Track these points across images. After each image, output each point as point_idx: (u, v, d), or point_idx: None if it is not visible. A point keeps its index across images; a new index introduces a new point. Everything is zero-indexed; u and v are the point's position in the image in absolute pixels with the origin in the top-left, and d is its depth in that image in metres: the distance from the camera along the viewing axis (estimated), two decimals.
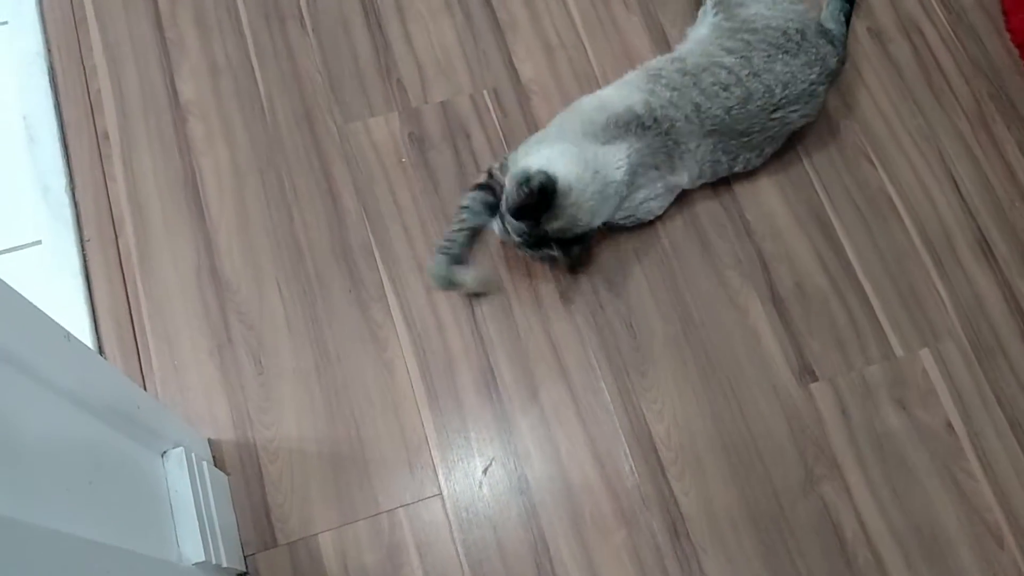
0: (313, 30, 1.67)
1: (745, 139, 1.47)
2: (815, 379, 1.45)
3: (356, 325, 1.45)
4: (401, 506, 1.35)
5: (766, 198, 1.57)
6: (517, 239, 1.39)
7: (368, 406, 1.40)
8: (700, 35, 1.56)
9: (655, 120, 1.43)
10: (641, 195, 1.46)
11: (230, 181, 1.54)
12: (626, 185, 1.42)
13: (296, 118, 1.60)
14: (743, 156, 1.51)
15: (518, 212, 1.33)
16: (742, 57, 1.46)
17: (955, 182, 1.61)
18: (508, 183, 1.35)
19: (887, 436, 1.42)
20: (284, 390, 1.41)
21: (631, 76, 1.51)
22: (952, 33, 1.74)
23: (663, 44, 1.68)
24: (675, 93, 1.44)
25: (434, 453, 1.38)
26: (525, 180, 1.31)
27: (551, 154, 1.38)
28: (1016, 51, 1.70)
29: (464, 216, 1.47)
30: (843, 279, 1.52)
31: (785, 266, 1.53)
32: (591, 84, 1.64)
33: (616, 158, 1.40)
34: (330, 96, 1.62)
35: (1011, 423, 1.44)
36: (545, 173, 1.32)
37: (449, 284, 1.44)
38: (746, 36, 1.48)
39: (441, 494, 1.36)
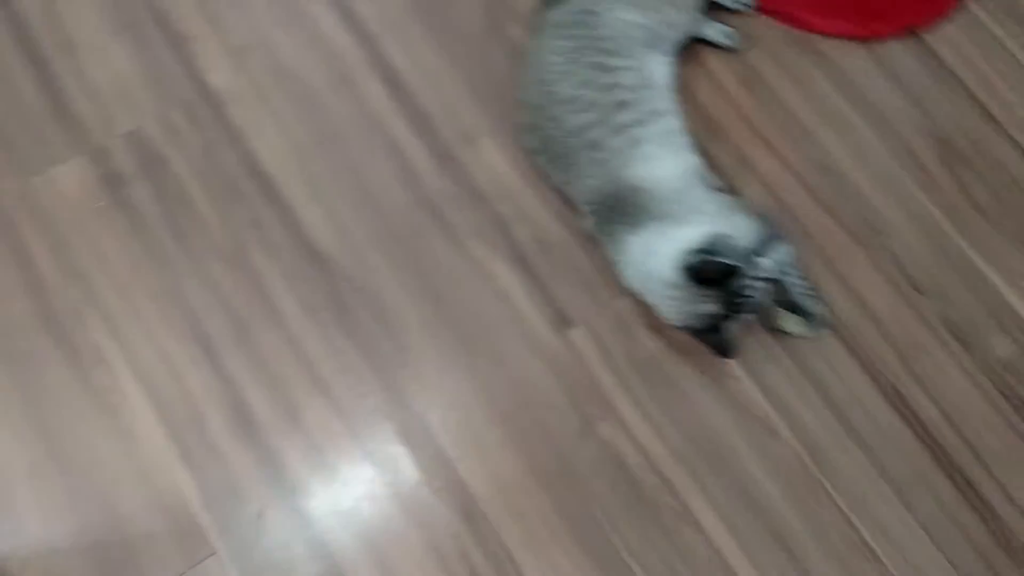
0: None
1: None
2: (572, 326, 1.45)
3: (81, 398, 1.32)
4: None
5: (492, 160, 1.55)
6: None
7: (116, 482, 1.29)
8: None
9: None
10: None
11: None
12: None
13: None
14: None
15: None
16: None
17: None
18: None
19: (649, 362, 1.44)
20: (17, 493, 1.27)
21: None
22: None
23: (355, 21, 1.61)
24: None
25: (200, 512, 1.29)
26: None
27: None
28: None
29: None
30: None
31: (523, 224, 1.52)
32: (290, 80, 1.56)
33: None
34: (2, 154, 1.45)
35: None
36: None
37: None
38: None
39: (216, 552, 1.27)
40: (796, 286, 1.41)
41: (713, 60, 1.64)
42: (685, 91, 1.58)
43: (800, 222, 1.53)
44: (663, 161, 1.40)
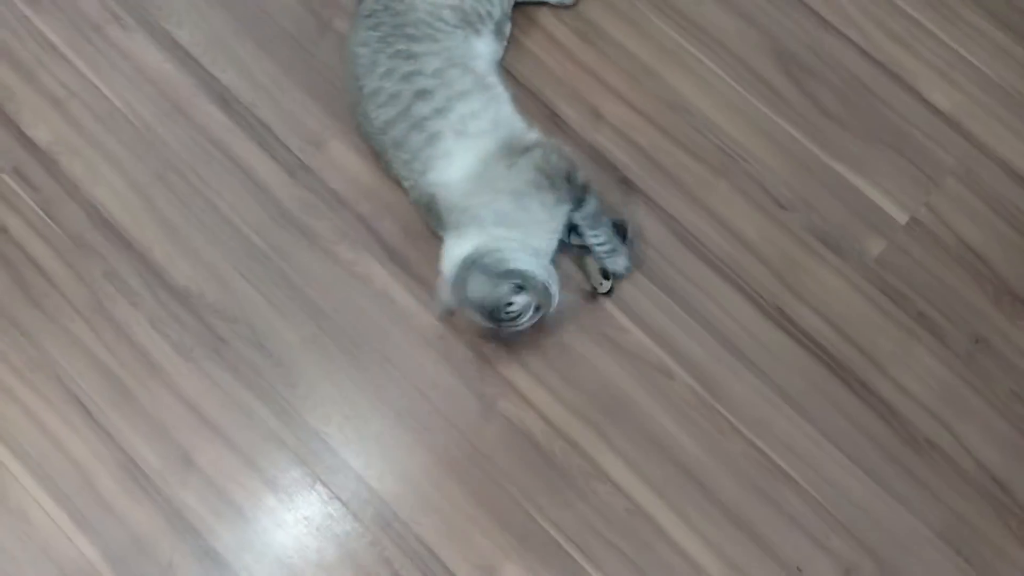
0: None
1: None
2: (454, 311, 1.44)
3: None
4: None
5: (347, 163, 1.52)
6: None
7: (14, 564, 1.26)
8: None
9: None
10: None
11: None
12: None
13: None
14: None
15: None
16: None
17: (512, 75, 1.62)
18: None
19: (536, 329, 1.44)
20: None
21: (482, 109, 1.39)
22: None
23: (176, 48, 1.56)
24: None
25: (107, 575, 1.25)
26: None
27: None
28: None
29: None
30: None
31: (387, 218, 1.49)
32: (118, 121, 1.50)
33: None
34: None
35: (636, 265, 1.47)
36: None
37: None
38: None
39: None
40: (602, 248, 1.41)
41: (548, 19, 1.62)
42: (526, 55, 1.57)
43: (657, 162, 1.54)
44: (455, 160, 1.36)
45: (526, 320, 1.29)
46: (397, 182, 1.44)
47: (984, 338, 1.44)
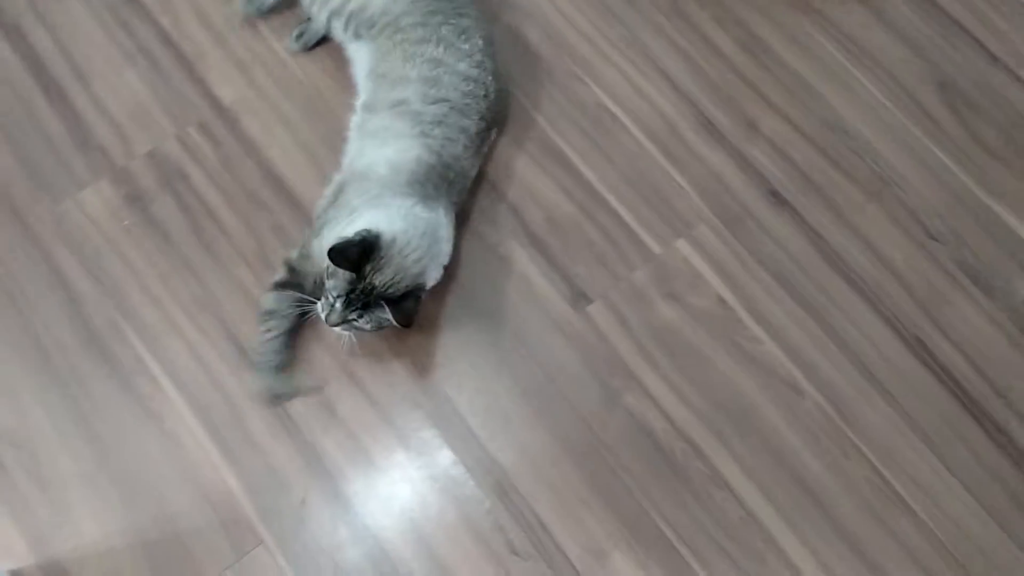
0: None
1: (491, 128, 1.50)
2: (589, 301, 1.48)
3: (126, 407, 1.39)
4: (226, 568, 1.31)
5: (497, 147, 1.58)
6: (337, 297, 1.29)
7: (164, 482, 1.35)
8: (369, 54, 1.50)
9: (448, 166, 1.41)
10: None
11: None
12: (451, 243, 1.40)
13: (3, 219, 1.50)
14: (491, 138, 1.53)
15: (336, 255, 1.25)
16: (442, 43, 1.44)
17: (666, 75, 1.66)
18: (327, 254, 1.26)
19: (668, 330, 1.47)
20: (73, 497, 1.34)
21: (388, 124, 1.42)
22: None
23: None
24: (443, 127, 1.41)
25: (245, 504, 1.34)
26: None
27: (372, 217, 1.32)
28: None
29: (271, 324, 1.38)
30: (587, 200, 1.55)
31: (533, 205, 1.55)
32: (295, 87, 1.61)
33: (438, 213, 1.37)
34: (31, 184, 1.53)
35: (777, 279, 1.51)
36: (367, 229, 1.28)
37: (278, 399, 1.38)
38: (408, 20, 1.46)
39: (264, 542, 1.32)
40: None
41: (710, 26, 1.65)
42: (685, 60, 1.61)
43: (810, 179, 1.54)
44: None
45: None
46: None
47: None
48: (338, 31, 1.55)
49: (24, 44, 1.63)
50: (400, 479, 1.37)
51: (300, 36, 1.61)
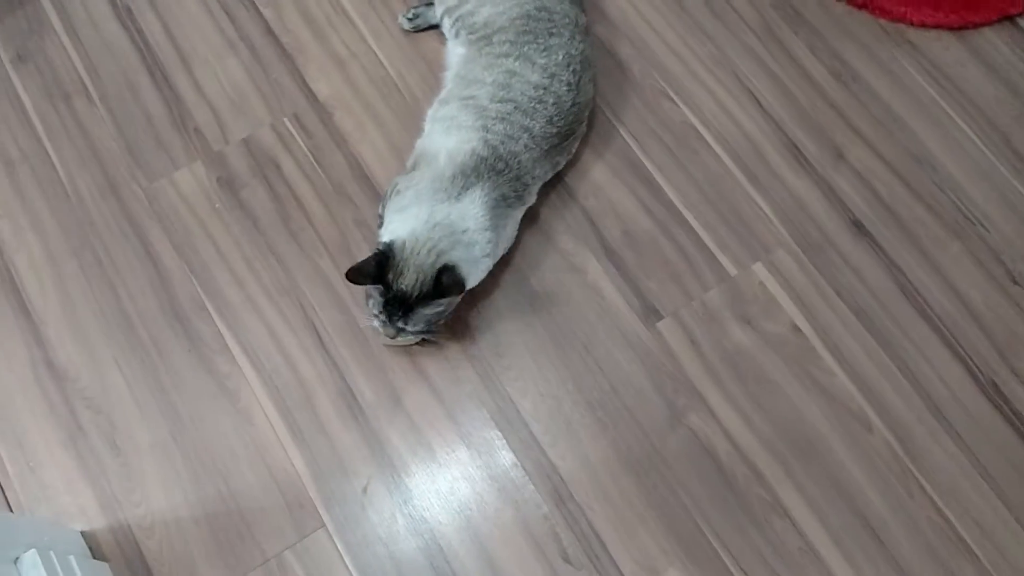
0: (100, 100, 1.64)
1: (567, 136, 1.50)
2: (660, 317, 1.49)
3: (203, 382, 1.43)
4: (287, 548, 1.34)
5: (579, 157, 1.60)
6: (380, 313, 1.35)
7: (233, 459, 1.39)
8: (460, 56, 1.55)
9: (500, 159, 1.42)
10: (509, 230, 1.47)
11: (48, 271, 1.51)
12: (492, 230, 1.40)
13: (101, 191, 1.56)
14: (568, 147, 1.53)
15: (355, 274, 1.32)
16: (521, 59, 1.47)
17: (754, 96, 1.66)
18: None
19: (739, 354, 1.46)
20: (145, 465, 1.39)
21: (454, 114, 1.47)
22: None
23: None
24: (505, 124, 1.43)
25: (309, 487, 1.37)
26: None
27: (392, 228, 1.38)
28: None
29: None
30: (666, 217, 1.56)
31: (611, 218, 1.56)
32: (389, 88, 1.65)
33: (472, 211, 1.39)
34: (130, 161, 1.59)
35: (854, 311, 1.50)
36: (382, 242, 1.35)
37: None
38: (501, 37, 1.49)
39: (325, 526, 1.35)
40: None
41: (803, 53, 1.65)
42: (777, 86, 1.60)
43: (894, 212, 1.53)
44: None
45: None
46: None
47: None
48: (446, 26, 1.60)
49: (134, 26, 1.70)
50: (460, 476, 1.39)
51: (415, 18, 1.67)
